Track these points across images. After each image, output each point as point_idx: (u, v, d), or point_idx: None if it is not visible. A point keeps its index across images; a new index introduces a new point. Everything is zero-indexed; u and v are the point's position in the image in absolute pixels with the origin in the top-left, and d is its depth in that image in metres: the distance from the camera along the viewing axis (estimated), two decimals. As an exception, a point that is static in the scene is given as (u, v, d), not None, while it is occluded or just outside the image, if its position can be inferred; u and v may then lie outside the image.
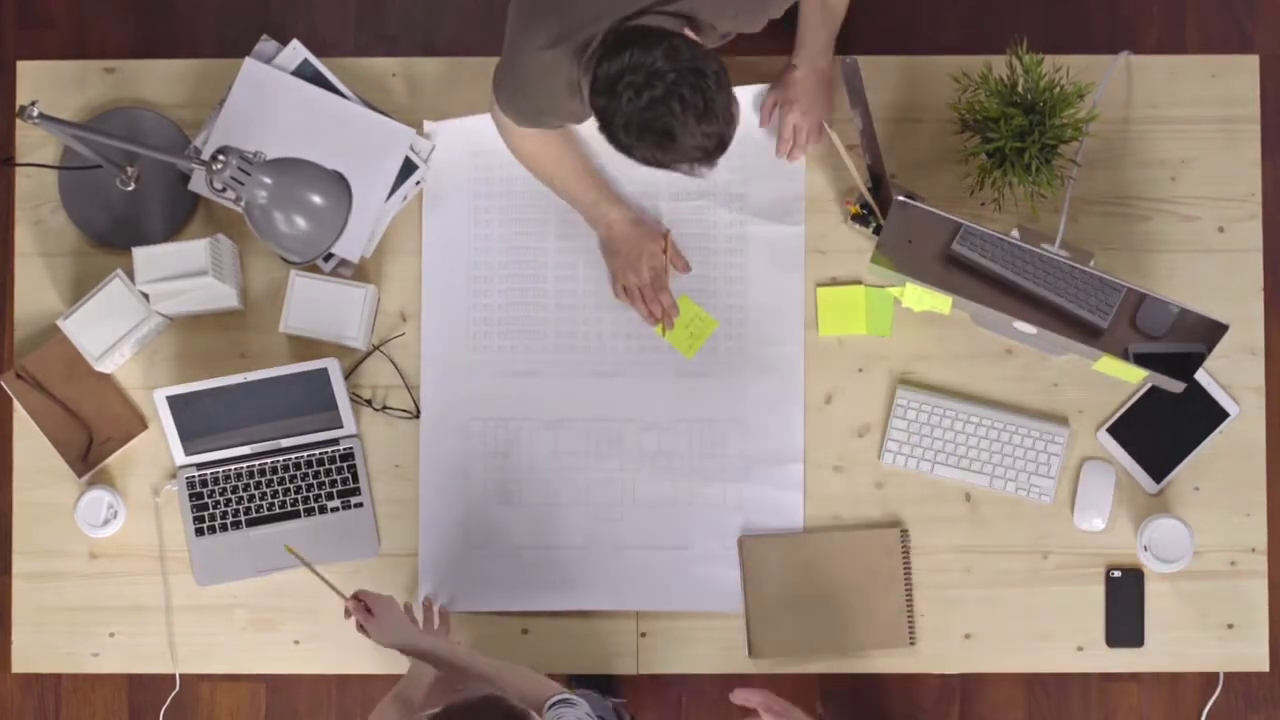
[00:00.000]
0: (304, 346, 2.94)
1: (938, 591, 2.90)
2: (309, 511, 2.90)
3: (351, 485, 2.90)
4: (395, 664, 2.91)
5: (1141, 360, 2.62)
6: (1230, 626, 2.90)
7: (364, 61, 2.97)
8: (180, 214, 2.94)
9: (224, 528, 2.89)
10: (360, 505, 2.90)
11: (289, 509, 2.90)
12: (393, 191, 2.91)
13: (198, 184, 2.91)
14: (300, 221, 2.54)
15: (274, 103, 2.90)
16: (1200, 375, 2.91)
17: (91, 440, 2.90)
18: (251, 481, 2.90)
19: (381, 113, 2.91)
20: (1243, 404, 2.92)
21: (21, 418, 2.92)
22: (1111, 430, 2.90)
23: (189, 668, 2.91)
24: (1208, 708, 3.53)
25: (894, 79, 2.95)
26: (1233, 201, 2.94)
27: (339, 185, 2.58)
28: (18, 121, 2.93)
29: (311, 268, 2.93)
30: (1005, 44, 3.55)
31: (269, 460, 2.90)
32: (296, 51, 2.93)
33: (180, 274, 2.78)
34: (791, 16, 2.80)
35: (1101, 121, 2.93)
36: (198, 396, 2.86)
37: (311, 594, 2.90)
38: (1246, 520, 2.91)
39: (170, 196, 2.93)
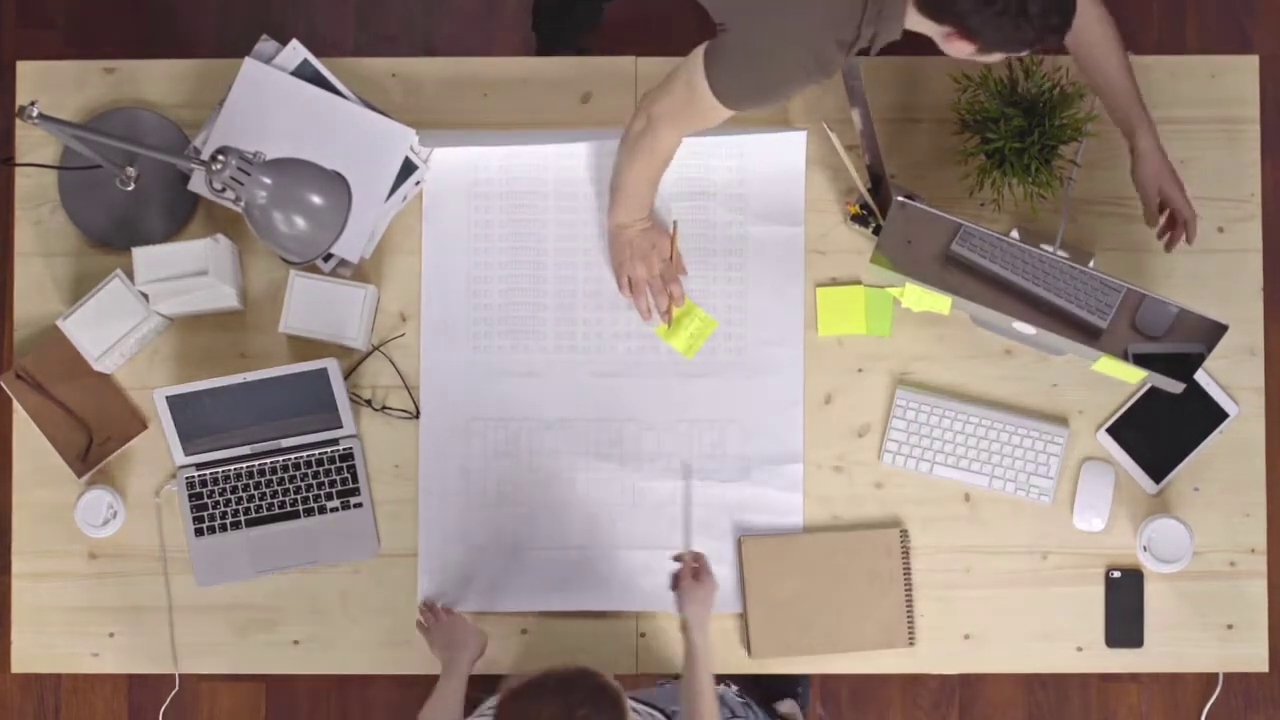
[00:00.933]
0: (304, 347, 2.94)
1: (937, 591, 2.90)
2: (309, 512, 2.90)
3: (351, 485, 2.90)
4: (392, 665, 2.91)
5: (1141, 361, 2.62)
6: (1230, 627, 2.90)
7: (364, 62, 2.97)
8: (180, 214, 2.94)
9: (224, 528, 2.89)
10: (360, 505, 2.90)
11: (289, 509, 2.90)
12: (392, 191, 2.91)
13: (197, 184, 2.91)
14: (300, 221, 2.54)
15: (274, 103, 2.90)
16: (1200, 376, 2.91)
17: (91, 440, 2.91)
18: (251, 482, 2.90)
19: (381, 113, 2.92)
20: (1242, 404, 2.92)
21: (21, 418, 2.92)
22: (1111, 431, 2.90)
23: (189, 668, 2.91)
24: (1207, 708, 3.53)
25: (894, 79, 2.95)
26: (1232, 202, 2.94)
27: (339, 185, 2.58)
28: (18, 121, 2.93)
29: (311, 268, 2.93)
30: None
31: (269, 460, 2.90)
32: (296, 52, 2.93)
33: (180, 274, 2.78)
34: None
35: (1101, 121, 2.93)
36: (197, 396, 2.86)
37: (311, 594, 2.91)
38: (1246, 521, 2.91)
39: (170, 197, 2.94)
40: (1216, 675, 3.54)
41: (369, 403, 2.92)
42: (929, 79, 2.95)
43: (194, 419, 2.87)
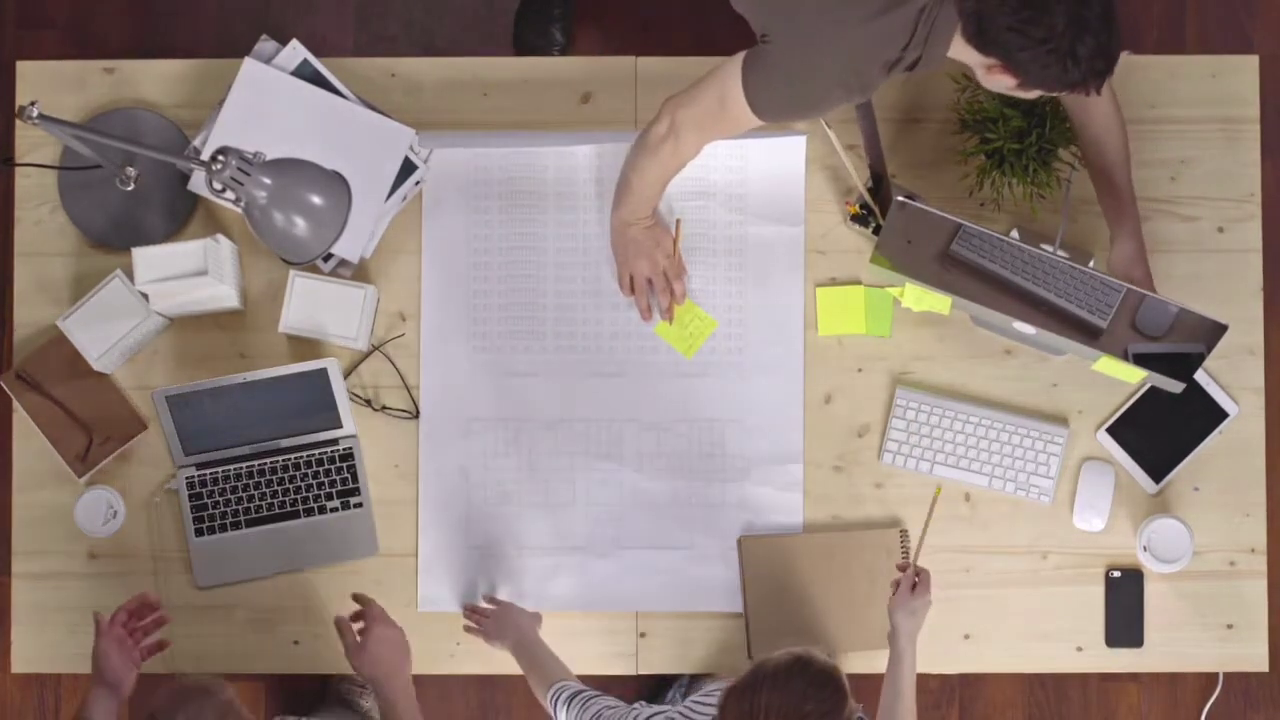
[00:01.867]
0: (304, 346, 2.94)
1: (937, 591, 2.90)
2: (308, 512, 2.90)
3: (351, 485, 2.90)
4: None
5: (1141, 360, 2.62)
6: (1230, 626, 2.90)
7: (364, 61, 2.97)
8: (180, 214, 2.94)
9: (224, 528, 2.89)
10: (360, 505, 2.90)
11: (289, 509, 2.90)
12: (392, 191, 2.91)
13: (197, 184, 2.91)
14: (300, 222, 2.54)
15: (274, 103, 2.90)
16: (1200, 375, 2.91)
17: (91, 440, 2.90)
18: (251, 482, 2.90)
19: (381, 113, 2.91)
20: (1242, 404, 2.92)
21: (21, 418, 2.92)
22: (1111, 430, 2.90)
23: (189, 668, 2.91)
24: (1207, 708, 3.53)
25: (895, 79, 2.95)
26: (1232, 201, 2.94)
27: (339, 185, 2.58)
28: (17, 121, 2.93)
29: (311, 268, 2.93)
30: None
31: (269, 460, 2.90)
32: (296, 51, 2.93)
33: (180, 274, 2.78)
34: None
35: (1101, 122, 2.93)
36: (197, 396, 2.86)
37: (311, 594, 2.90)
38: (1246, 520, 2.91)
39: (170, 197, 2.93)
40: (1216, 675, 3.53)
41: (369, 403, 2.92)
42: (929, 79, 2.95)
43: (194, 419, 2.87)
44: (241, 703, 2.47)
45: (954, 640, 2.90)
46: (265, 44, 2.93)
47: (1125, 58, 2.91)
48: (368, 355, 2.93)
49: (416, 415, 2.92)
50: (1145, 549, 2.84)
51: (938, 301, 2.71)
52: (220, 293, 2.83)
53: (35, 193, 2.96)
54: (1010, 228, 2.91)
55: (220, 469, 2.90)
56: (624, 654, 2.90)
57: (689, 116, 2.63)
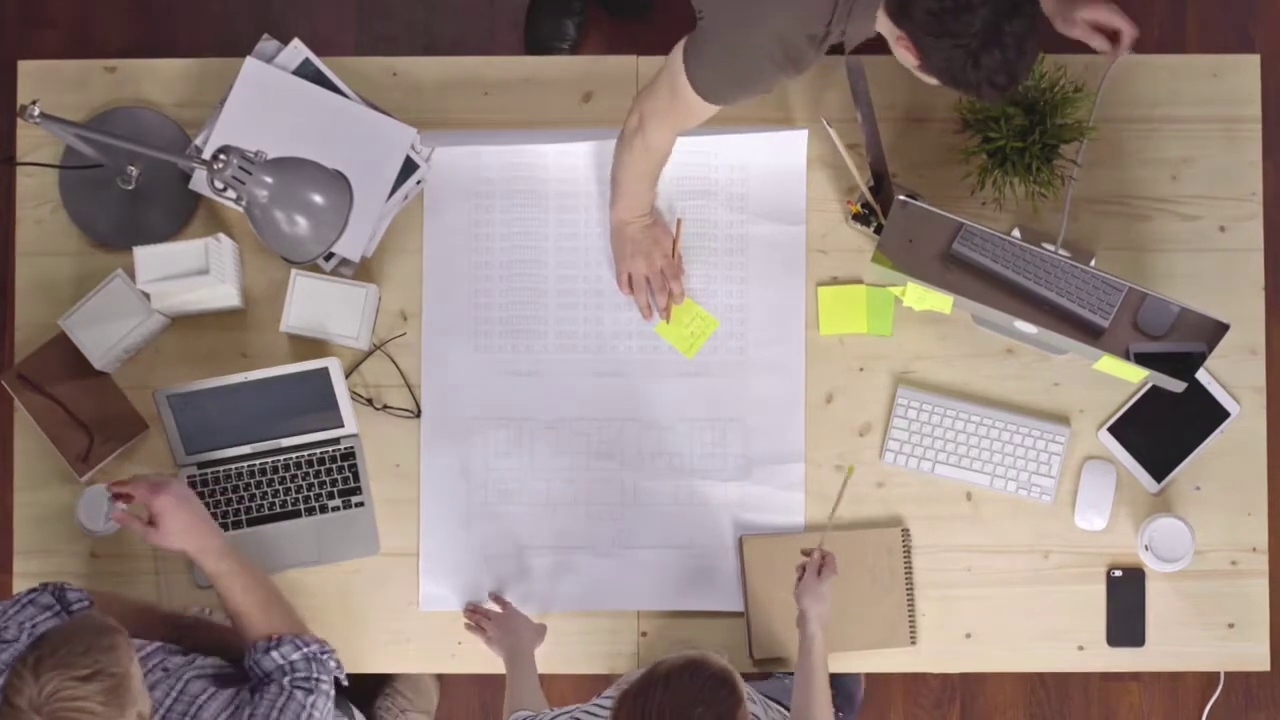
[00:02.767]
0: (305, 346, 2.94)
1: (938, 591, 2.90)
2: (309, 511, 2.90)
3: (352, 485, 2.90)
4: (392, 665, 2.91)
5: (1142, 360, 2.62)
6: (1231, 626, 2.90)
7: (365, 61, 2.97)
8: (181, 213, 2.94)
9: (225, 527, 2.89)
10: (361, 505, 2.90)
11: (290, 508, 2.90)
12: (393, 191, 2.91)
13: (198, 183, 2.91)
14: (301, 221, 2.54)
15: (275, 102, 2.90)
16: (1201, 375, 2.91)
17: (91, 440, 2.90)
18: (252, 481, 2.90)
19: (382, 112, 2.91)
20: (1243, 403, 2.92)
21: (22, 418, 2.92)
22: (1112, 430, 2.90)
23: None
24: (1208, 707, 3.53)
25: (897, 79, 2.95)
26: (1233, 201, 2.94)
27: (340, 185, 2.58)
28: (18, 121, 2.93)
29: (312, 267, 2.93)
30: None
31: (270, 460, 2.90)
32: (297, 51, 2.93)
33: (181, 273, 2.78)
34: None
35: (1102, 121, 2.93)
36: (198, 396, 2.86)
37: (311, 594, 2.90)
38: (1247, 520, 2.91)
39: (171, 196, 2.93)
40: (1218, 674, 3.54)
41: (370, 402, 2.92)
42: (930, 78, 2.95)
43: (195, 419, 2.87)
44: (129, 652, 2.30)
45: (955, 639, 2.90)
46: (267, 43, 2.93)
47: (1126, 58, 2.92)
48: (369, 354, 2.93)
49: (418, 414, 2.92)
50: (1147, 548, 2.84)
51: (939, 301, 2.71)
52: (222, 292, 2.83)
53: (36, 192, 2.96)
54: (1012, 227, 2.91)
55: (222, 468, 2.90)
56: (625, 653, 2.90)
57: (651, 109, 2.65)
